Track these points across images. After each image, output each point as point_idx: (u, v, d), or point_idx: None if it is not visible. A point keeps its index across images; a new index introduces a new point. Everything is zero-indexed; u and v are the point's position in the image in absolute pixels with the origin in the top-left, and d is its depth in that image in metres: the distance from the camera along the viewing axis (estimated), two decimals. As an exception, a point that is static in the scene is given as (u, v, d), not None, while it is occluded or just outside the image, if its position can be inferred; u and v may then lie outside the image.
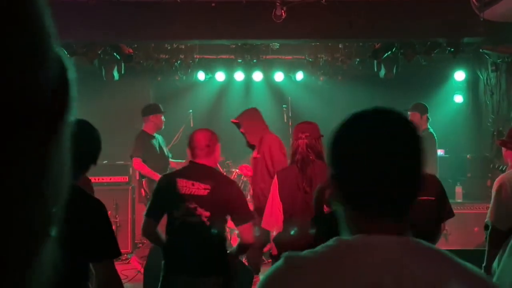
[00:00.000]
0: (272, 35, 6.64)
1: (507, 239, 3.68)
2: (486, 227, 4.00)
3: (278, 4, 5.55)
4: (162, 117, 7.23)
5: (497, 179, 3.97)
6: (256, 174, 5.46)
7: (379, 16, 6.37)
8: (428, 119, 7.23)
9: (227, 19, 6.46)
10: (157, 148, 7.10)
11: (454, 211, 7.56)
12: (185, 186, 3.68)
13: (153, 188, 6.72)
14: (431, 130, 7.21)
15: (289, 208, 4.12)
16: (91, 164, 2.71)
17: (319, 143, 4.22)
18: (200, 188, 3.67)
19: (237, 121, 5.61)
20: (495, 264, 3.74)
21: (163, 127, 7.32)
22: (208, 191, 3.67)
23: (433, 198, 3.90)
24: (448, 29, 6.57)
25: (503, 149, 4.15)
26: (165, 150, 7.33)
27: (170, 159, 7.33)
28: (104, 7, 6.34)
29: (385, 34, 6.76)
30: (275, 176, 4.33)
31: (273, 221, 4.20)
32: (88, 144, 2.64)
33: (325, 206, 3.38)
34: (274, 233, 4.27)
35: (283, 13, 5.52)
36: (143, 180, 6.94)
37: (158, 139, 7.22)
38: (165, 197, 3.82)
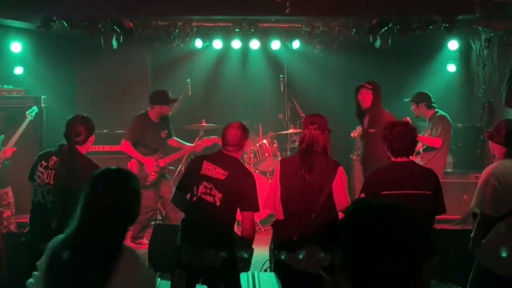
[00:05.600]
0: (271, 12, 6.71)
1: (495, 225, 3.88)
2: (474, 215, 4.10)
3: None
4: (169, 106, 7.04)
5: (485, 170, 4.10)
6: None
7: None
8: (426, 106, 7.02)
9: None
10: (157, 131, 6.96)
11: (445, 180, 7.86)
12: (208, 168, 4.24)
13: (141, 168, 6.86)
14: (441, 112, 7.04)
15: (287, 194, 4.28)
16: None
17: (325, 137, 4.35)
18: (219, 173, 4.19)
19: None
20: None
21: (169, 114, 7.22)
22: (225, 176, 4.17)
23: (428, 193, 4.08)
24: (444, 7, 6.67)
25: (490, 141, 4.25)
26: (170, 131, 7.17)
27: (174, 138, 7.19)
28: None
29: (382, 11, 6.84)
30: (279, 162, 4.54)
31: (272, 204, 4.40)
32: None
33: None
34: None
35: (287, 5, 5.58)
36: (132, 159, 6.91)
37: (162, 123, 7.03)
38: (191, 175, 4.33)
